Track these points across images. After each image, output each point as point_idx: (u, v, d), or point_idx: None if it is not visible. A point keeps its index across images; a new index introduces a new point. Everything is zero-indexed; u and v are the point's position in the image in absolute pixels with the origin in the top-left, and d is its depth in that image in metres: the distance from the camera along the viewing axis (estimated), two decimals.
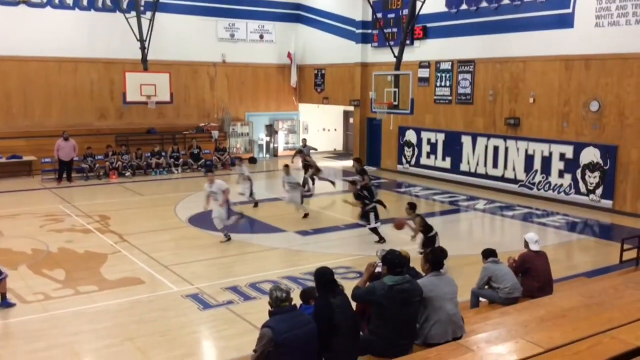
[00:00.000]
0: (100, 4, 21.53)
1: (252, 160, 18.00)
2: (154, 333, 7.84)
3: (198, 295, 9.13)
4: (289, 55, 25.92)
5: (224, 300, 8.93)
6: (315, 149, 19.77)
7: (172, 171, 21.26)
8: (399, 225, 10.78)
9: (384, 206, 12.89)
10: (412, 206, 10.63)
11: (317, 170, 17.37)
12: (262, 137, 25.78)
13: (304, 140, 19.68)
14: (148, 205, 15.87)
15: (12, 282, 9.59)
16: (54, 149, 18.90)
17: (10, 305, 8.61)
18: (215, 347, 7.81)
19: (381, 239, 11.94)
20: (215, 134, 23.53)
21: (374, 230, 12.09)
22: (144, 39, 19.75)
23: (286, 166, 14.67)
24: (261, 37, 25.42)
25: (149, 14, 19.93)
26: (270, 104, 26.01)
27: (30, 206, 15.43)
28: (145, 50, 19.82)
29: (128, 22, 19.37)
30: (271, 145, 25.96)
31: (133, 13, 19.69)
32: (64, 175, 19.11)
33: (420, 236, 10.16)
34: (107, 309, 8.65)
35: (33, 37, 20.22)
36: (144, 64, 19.90)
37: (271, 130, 25.96)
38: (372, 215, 12.07)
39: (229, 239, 12.17)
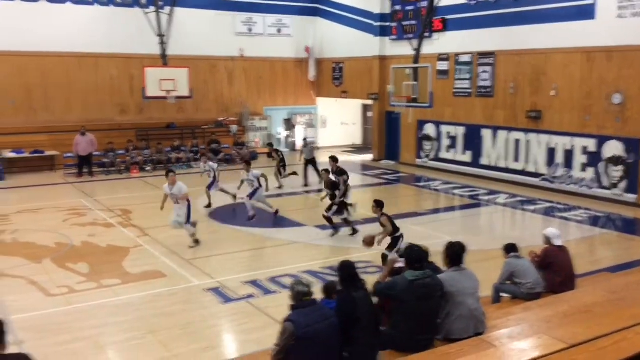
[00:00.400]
0: None
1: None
2: (176, 326, 7.92)
3: (219, 289, 9.20)
4: (306, 49, 25.90)
5: (244, 294, 8.98)
6: (318, 148, 19.50)
7: (191, 165, 21.38)
8: (369, 241, 10.20)
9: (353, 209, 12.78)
10: (378, 204, 10.06)
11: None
12: (280, 131, 25.83)
13: (305, 140, 19.54)
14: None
15: (37, 275, 9.78)
16: (73, 144, 19.21)
17: None
18: (236, 341, 7.87)
19: (335, 230, 12.19)
20: (234, 128, 23.63)
21: (328, 219, 12.18)
22: (163, 34, 19.85)
23: (247, 163, 13.90)
24: (279, 31, 25.42)
25: (167, 9, 20.02)
26: (288, 98, 26.03)
27: (53, 200, 15.64)
28: (164, 46, 19.93)
29: (147, 17, 19.48)
30: (290, 140, 25.99)
31: (152, 8, 19.80)
32: (86, 170, 19.38)
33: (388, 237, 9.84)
34: (129, 302, 8.76)
35: (53, 32, 20.46)
36: (163, 59, 20.02)
37: (289, 124, 25.98)
38: (335, 207, 12.19)
39: (197, 243, 11.47)
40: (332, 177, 12.79)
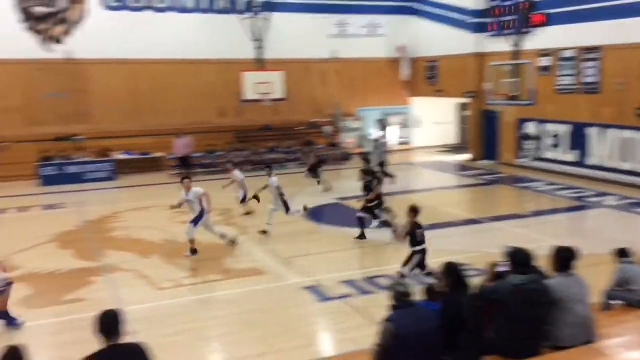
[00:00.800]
0: (217, 6, 22.55)
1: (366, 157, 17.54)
2: (274, 323, 8.14)
3: (315, 288, 9.33)
4: (400, 48, 25.67)
5: (340, 293, 9.05)
6: (389, 148, 18.81)
7: (285, 166, 21.82)
8: (399, 236, 9.67)
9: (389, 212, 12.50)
10: (412, 209, 9.25)
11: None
12: (373, 131, 25.73)
13: (378, 136, 19.09)
14: (266, 199, 16.35)
15: (146, 269, 10.40)
16: (173, 146, 20.30)
17: (17, 324, 8.05)
18: (333, 339, 7.95)
19: (361, 236, 11.84)
20: (328, 129, 23.86)
21: (360, 220, 11.89)
22: (259, 38, 20.42)
23: (268, 167, 13.55)
24: (372, 31, 25.39)
25: (263, 14, 20.55)
26: (381, 98, 25.89)
27: (159, 199, 16.42)
28: (261, 50, 20.48)
29: (243, 22, 20.09)
30: (383, 140, 25.81)
31: (249, 14, 20.42)
32: (186, 170, 20.35)
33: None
34: (231, 298, 9.11)
35: (157, 40, 21.55)
36: (260, 63, 20.60)
37: (382, 124, 25.84)
38: (372, 210, 11.99)
39: (193, 252, 11.12)
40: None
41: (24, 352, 4.29)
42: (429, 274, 8.81)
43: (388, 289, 5.08)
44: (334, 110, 24.74)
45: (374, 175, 12.46)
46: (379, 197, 12.20)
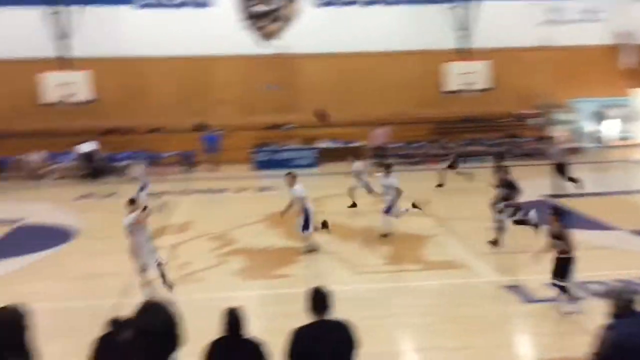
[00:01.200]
0: None
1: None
2: (471, 318, 7.93)
3: (518, 288, 8.87)
4: (622, 34, 23.10)
5: (547, 297, 8.48)
6: (569, 150, 16.58)
7: (485, 160, 20.94)
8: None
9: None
10: (555, 211, 8.24)
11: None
12: (589, 125, 23.59)
13: (555, 138, 16.95)
14: (466, 192, 15.96)
15: (347, 253, 10.85)
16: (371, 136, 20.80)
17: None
18: (535, 344, 7.52)
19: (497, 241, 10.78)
20: (537, 121, 22.46)
21: (500, 225, 10.87)
22: (466, 28, 19.91)
23: (386, 166, 12.12)
24: (589, 16, 23.28)
25: (470, 4, 20.00)
26: (597, 88, 23.63)
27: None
28: (467, 39, 19.97)
29: (448, 13, 19.75)
30: (600, 135, 23.57)
31: (457, 4, 20.00)
32: (380, 160, 20.76)
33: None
34: (428, 289, 9.10)
35: (362, 33, 22.20)
36: (464, 53, 20.10)
37: (600, 117, 23.57)
38: (509, 209, 11.01)
39: (310, 250, 10.91)
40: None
41: (242, 314, 4.71)
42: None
43: (608, 296, 4.63)
44: (543, 102, 23.17)
45: (512, 185, 11.36)
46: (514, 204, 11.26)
